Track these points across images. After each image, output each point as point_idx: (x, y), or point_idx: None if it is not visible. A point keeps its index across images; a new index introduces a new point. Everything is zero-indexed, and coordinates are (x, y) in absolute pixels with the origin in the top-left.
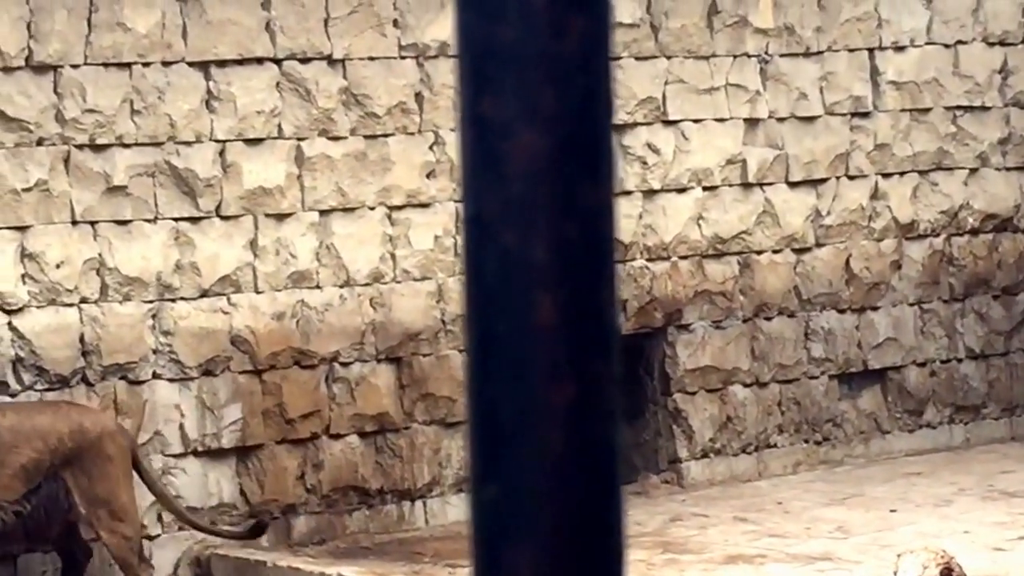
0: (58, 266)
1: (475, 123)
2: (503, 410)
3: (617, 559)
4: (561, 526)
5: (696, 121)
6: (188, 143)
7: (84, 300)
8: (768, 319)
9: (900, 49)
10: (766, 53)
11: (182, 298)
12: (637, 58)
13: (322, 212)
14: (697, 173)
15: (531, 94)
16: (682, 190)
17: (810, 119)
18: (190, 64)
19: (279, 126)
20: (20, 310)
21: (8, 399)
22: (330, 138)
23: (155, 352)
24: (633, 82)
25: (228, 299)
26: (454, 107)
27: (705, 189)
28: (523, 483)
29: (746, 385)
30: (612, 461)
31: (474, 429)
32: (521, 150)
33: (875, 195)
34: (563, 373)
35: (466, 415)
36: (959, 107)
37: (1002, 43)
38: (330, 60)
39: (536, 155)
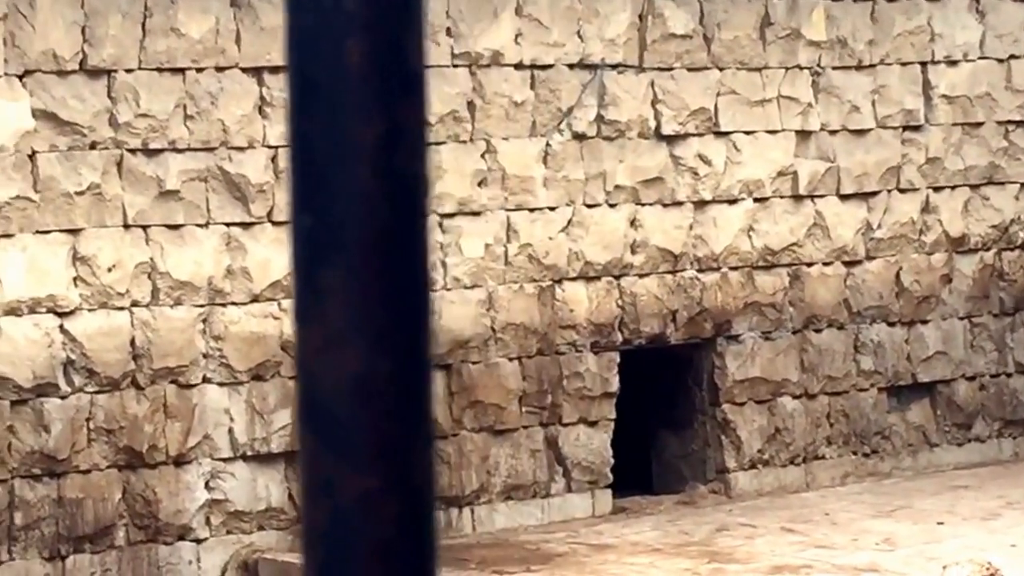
0: (110, 269)
1: None
2: (318, 147)
3: (421, 283)
4: (368, 251)
5: (748, 133)
6: (240, 148)
7: (135, 304)
8: (818, 331)
9: (953, 63)
10: (818, 65)
11: (233, 303)
12: (689, 69)
13: None
14: (748, 185)
15: None
16: (733, 201)
17: (862, 132)
18: (243, 70)
19: None
20: (72, 313)
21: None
22: None
23: (205, 356)
24: (685, 93)
25: (279, 304)
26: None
27: (756, 201)
28: (335, 211)
29: (795, 397)
30: (416, 194)
31: (292, 163)
32: None
33: (926, 208)
34: (371, 113)
35: (287, 149)
36: (1011, 121)
37: None
38: None
39: None
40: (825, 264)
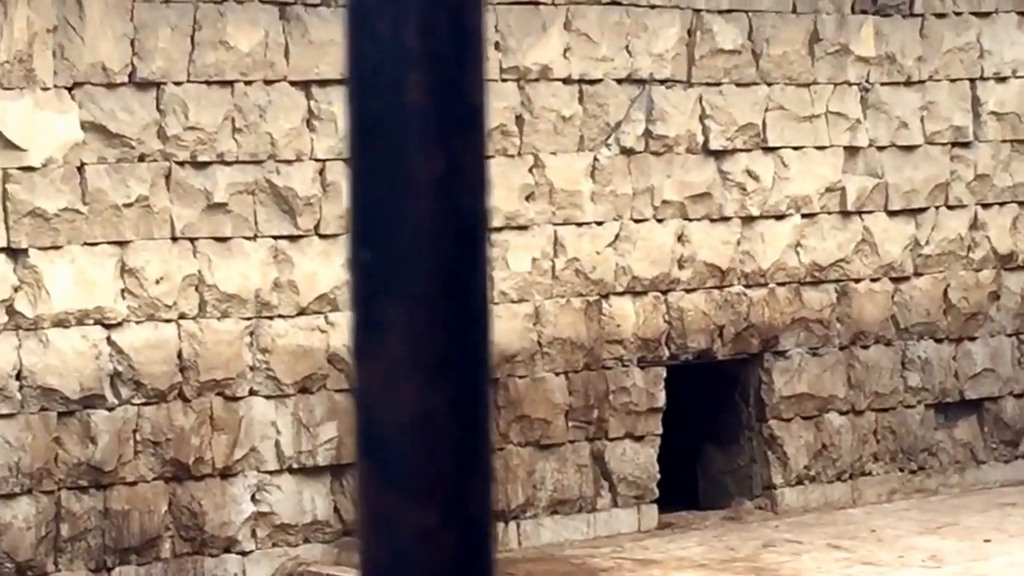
0: (157, 282)
1: None
2: (378, 182)
3: (481, 318)
4: (428, 286)
5: (796, 148)
6: (288, 161)
7: (182, 316)
8: (865, 347)
9: (1002, 79)
10: (867, 81)
11: (280, 316)
12: (738, 84)
13: None
14: (796, 200)
15: None
16: (780, 217)
17: (910, 148)
18: (292, 83)
19: None
20: (119, 325)
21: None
22: None
23: (252, 369)
24: (733, 108)
25: (325, 317)
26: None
27: (804, 216)
28: (395, 247)
29: (842, 413)
30: (477, 230)
31: (353, 199)
32: None
33: (974, 225)
34: (432, 148)
35: (347, 185)
36: None
37: None
38: None
39: None
40: (873, 280)
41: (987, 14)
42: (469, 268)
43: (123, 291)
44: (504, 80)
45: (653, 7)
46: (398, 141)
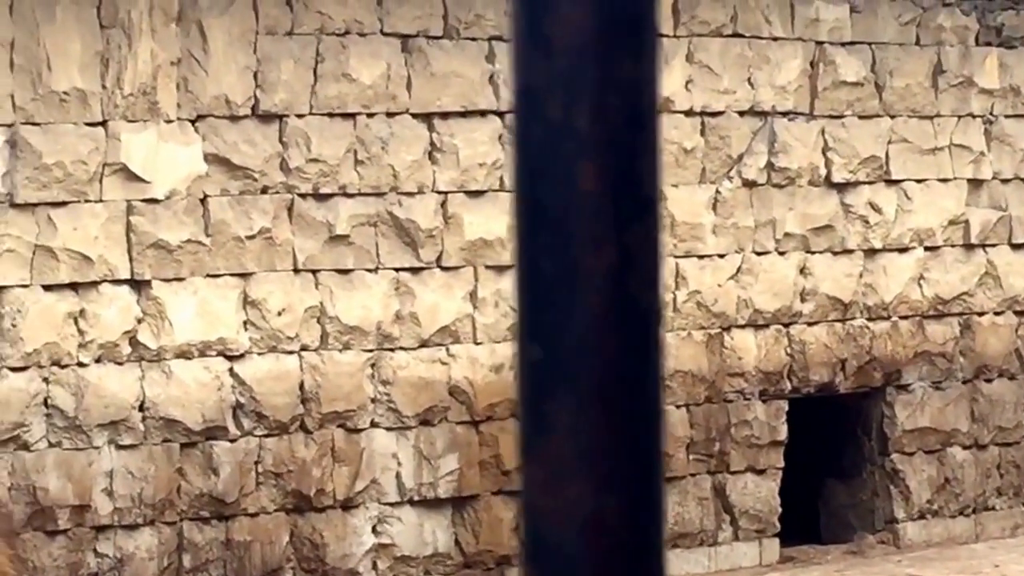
0: (280, 313)
1: (523, 1)
2: (547, 274)
3: (654, 418)
4: (599, 384)
5: (919, 181)
6: (410, 194)
7: (304, 348)
8: (988, 381)
9: None
10: (991, 114)
11: (401, 348)
12: (861, 117)
13: None
14: (919, 233)
15: None
16: (903, 250)
17: None
18: (414, 115)
19: (501, 178)
20: (241, 356)
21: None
22: None
23: (373, 401)
24: (856, 141)
25: (447, 350)
26: None
27: (927, 249)
28: (564, 342)
29: (965, 447)
30: (650, 324)
31: (520, 292)
32: (566, 26)
33: None
34: (604, 238)
35: (514, 279)
36: None
37: None
38: None
39: (580, 31)
40: (996, 314)
41: None
42: (642, 365)
43: (245, 323)
44: None
45: (776, 39)
46: (568, 231)
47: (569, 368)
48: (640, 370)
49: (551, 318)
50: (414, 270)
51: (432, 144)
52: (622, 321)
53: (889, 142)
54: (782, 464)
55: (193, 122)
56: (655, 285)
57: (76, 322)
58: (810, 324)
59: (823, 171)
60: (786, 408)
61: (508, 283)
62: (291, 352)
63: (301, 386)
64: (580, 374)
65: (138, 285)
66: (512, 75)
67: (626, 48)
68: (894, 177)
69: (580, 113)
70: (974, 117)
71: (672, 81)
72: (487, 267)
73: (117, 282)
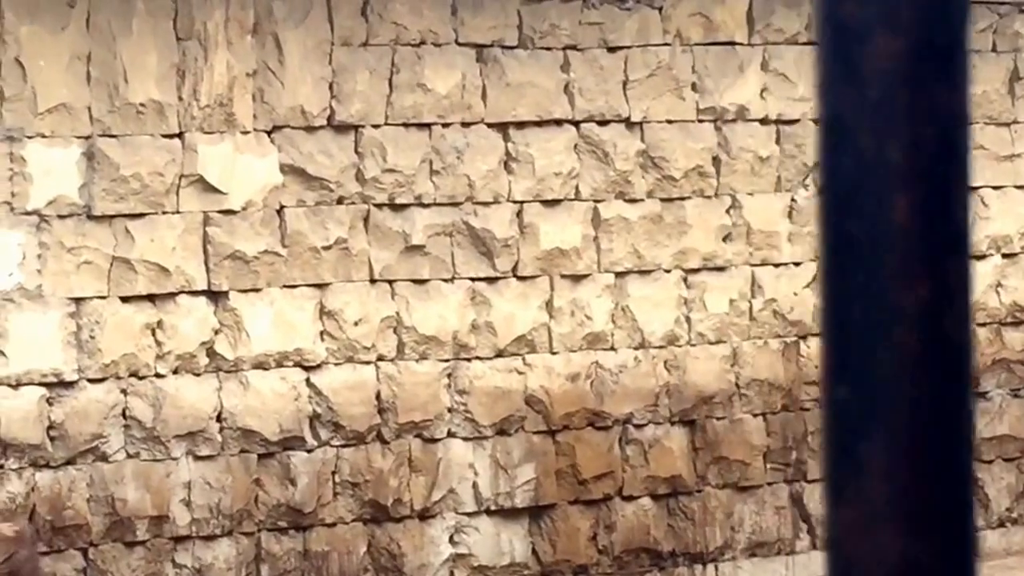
0: (356, 324)
1: (834, 27)
2: (856, 310)
3: (966, 462)
4: (912, 427)
5: (996, 188)
6: (486, 203)
7: (381, 358)
8: None
9: None
10: None
11: (477, 357)
12: None
13: (618, 274)
14: (996, 240)
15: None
16: (981, 257)
17: None
18: (489, 125)
19: (576, 188)
20: (318, 367)
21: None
22: (627, 200)
23: (450, 411)
24: None
25: (523, 359)
26: (814, 12)
27: (1004, 256)
28: (874, 381)
29: None
30: (963, 363)
31: (827, 330)
32: (878, 53)
33: None
34: (917, 274)
35: (820, 316)
36: None
37: None
38: (628, 123)
39: (894, 59)
40: None
41: None
42: (956, 405)
43: (322, 333)
44: (701, 121)
45: None
46: (879, 265)
47: (880, 408)
48: (953, 410)
49: (861, 356)
50: (490, 280)
51: (507, 154)
52: (935, 360)
53: None
54: None
55: (269, 133)
56: (968, 322)
57: (154, 333)
58: None
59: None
60: None
61: (584, 292)
62: (367, 362)
63: (378, 396)
64: (892, 414)
65: (215, 296)
66: (820, 104)
67: (940, 75)
68: (971, 184)
69: (893, 144)
70: None
71: (747, 89)
72: (563, 276)
73: (194, 293)
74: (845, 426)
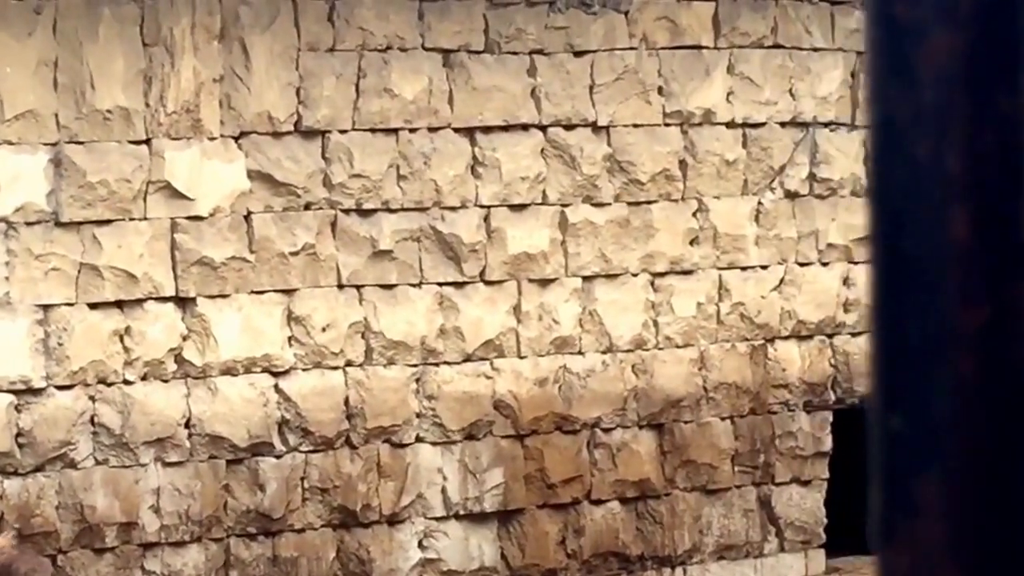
0: (324, 329)
1: (886, 25)
2: (910, 334)
3: None
4: (972, 457)
5: None
6: (453, 208)
7: (349, 363)
8: None
9: None
10: None
11: (446, 362)
12: None
13: (585, 278)
14: None
15: None
16: None
17: None
18: (456, 130)
19: (543, 192)
20: (286, 372)
21: None
22: (594, 204)
23: (419, 416)
24: None
25: (491, 364)
26: (863, 8)
27: None
28: (931, 412)
29: None
30: None
31: (877, 355)
32: (935, 53)
33: None
34: (976, 294)
35: (870, 340)
36: None
37: None
38: (595, 127)
39: (951, 59)
40: None
41: None
42: (1020, 438)
43: (290, 339)
44: (667, 125)
45: (816, 50)
46: (935, 284)
47: (936, 441)
48: (1018, 443)
49: (916, 384)
50: (457, 284)
51: (474, 158)
52: (997, 387)
53: None
54: (827, 475)
55: (236, 139)
56: None
57: (122, 340)
58: (854, 335)
59: (865, 181)
60: (831, 419)
61: (551, 297)
62: (336, 368)
63: (346, 402)
64: (949, 448)
65: (183, 302)
66: (870, 108)
67: (1001, 78)
68: None
69: (950, 151)
70: None
71: (713, 93)
72: (530, 281)
73: (162, 299)
74: (898, 461)
